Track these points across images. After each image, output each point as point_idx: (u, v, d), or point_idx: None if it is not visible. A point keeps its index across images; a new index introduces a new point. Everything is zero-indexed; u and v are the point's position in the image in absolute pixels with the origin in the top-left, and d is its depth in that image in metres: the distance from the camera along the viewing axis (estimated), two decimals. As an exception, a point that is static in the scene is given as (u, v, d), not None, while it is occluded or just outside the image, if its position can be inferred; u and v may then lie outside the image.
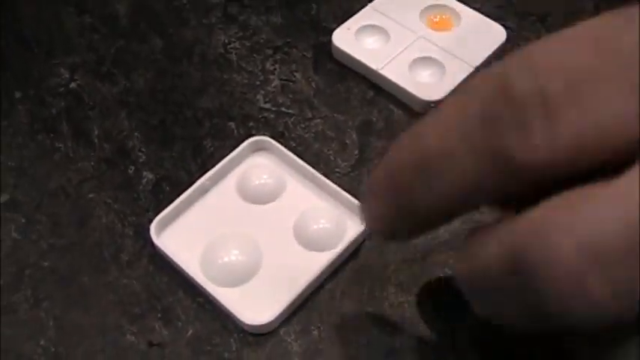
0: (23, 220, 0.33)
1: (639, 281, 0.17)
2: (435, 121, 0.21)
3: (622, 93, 0.18)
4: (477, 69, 0.36)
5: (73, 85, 0.38)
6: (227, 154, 0.33)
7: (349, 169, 0.34)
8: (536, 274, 0.18)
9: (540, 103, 0.18)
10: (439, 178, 0.20)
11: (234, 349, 0.29)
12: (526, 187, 0.19)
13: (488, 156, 0.19)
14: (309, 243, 0.31)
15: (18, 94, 0.38)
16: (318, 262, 0.30)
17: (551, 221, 0.18)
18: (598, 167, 0.18)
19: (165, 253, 0.31)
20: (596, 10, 0.41)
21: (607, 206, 0.17)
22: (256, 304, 0.29)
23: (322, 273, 0.30)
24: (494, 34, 0.38)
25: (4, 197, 0.34)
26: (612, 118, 0.18)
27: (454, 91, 0.20)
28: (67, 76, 0.38)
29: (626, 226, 0.17)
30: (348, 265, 0.31)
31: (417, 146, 0.21)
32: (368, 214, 0.24)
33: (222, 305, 0.29)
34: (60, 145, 0.35)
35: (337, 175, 0.34)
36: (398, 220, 0.22)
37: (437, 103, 0.35)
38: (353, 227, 0.31)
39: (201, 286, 0.30)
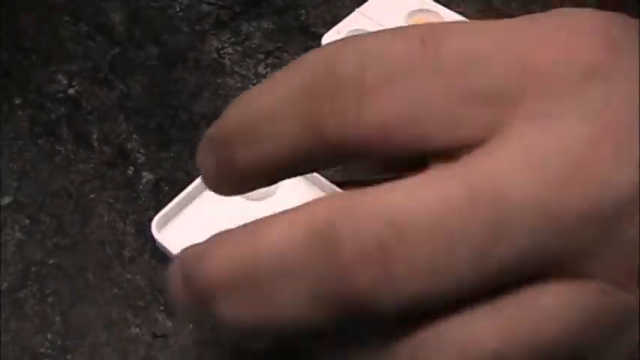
0: (27, 221, 0.34)
1: (440, 261, 0.18)
2: (267, 86, 0.21)
3: (432, 90, 0.19)
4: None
5: (71, 91, 0.39)
6: (223, 154, 0.35)
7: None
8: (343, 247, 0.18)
9: (356, 85, 0.19)
10: (259, 140, 0.21)
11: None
12: (339, 162, 0.21)
13: (306, 125, 0.20)
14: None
15: (18, 100, 0.39)
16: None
17: (358, 198, 0.19)
18: (407, 156, 0.20)
19: (166, 248, 0.32)
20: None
21: (413, 190, 0.19)
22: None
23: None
24: (477, 36, 0.40)
25: (8, 199, 0.35)
26: (419, 113, 0.19)
27: (293, 61, 0.21)
28: (66, 82, 0.40)
29: (428, 208, 0.18)
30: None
31: (245, 107, 0.21)
32: (199, 167, 0.23)
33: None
34: (60, 149, 0.37)
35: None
36: (220, 175, 0.22)
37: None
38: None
39: (203, 279, 0.31)
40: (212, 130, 0.22)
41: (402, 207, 0.18)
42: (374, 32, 0.21)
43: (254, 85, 0.39)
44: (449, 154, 0.19)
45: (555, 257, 0.19)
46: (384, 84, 0.19)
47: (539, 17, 0.22)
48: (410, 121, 0.19)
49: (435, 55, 0.20)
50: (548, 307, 0.19)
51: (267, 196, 0.34)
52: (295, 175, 0.23)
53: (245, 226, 0.20)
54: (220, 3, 0.43)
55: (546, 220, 0.18)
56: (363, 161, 0.21)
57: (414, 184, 0.19)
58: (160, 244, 0.32)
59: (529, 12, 0.42)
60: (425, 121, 0.19)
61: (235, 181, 0.22)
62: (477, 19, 0.41)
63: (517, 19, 0.22)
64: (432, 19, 0.41)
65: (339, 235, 0.18)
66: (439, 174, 0.19)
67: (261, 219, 0.20)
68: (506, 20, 0.22)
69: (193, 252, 0.21)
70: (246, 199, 0.34)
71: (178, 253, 0.22)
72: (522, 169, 0.19)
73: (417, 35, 0.20)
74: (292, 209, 0.20)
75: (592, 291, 0.19)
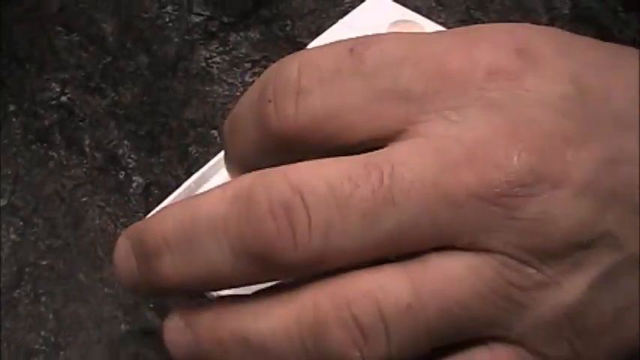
0: (21, 223, 0.35)
1: (335, 222, 0.22)
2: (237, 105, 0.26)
3: (353, 90, 0.23)
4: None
5: (64, 98, 0.41)
6: (211, 160, 0.36)
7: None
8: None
9: (294, 88, 0.24)
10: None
11: (222, 334, 0.31)
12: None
13: (257, 120, 0.24)
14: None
15: (12, 107, 0.40)
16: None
17: (276, 170, 0.23)
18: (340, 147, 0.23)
19: (156, 249, 0.33)
20: (552, 24, 0.45)
21: None
22: (238, 291, 0.32)
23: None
24: (456, 46, 0.42)
25: (3, 202, 0.36)
26: (342, 108, 0.23)
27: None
28: (58, 90, 0.41)
29: (327, 178, 0.22)
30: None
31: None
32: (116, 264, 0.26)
33: (211, 295, 0.32)
34: (53, 154, 0.38)
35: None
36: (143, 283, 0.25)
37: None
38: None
39: (191, 278, 0.32)
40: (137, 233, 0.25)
41: (307, 176, 0.22)
42: (318, 45, 0.25)
43: (241, 92, 0.40)
44: (373, 147, 0.23)
45: (450, 229, 0.21)
46: (317, 85, 0.23)
47: (464, 29, 0.25)
48: (335, 114, 0.23)
49: (359, 60, 0.23)
50: (451, 270, 0.21)
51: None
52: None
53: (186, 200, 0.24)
54: (209, 14, 0.45)
55: (436, 194, 0.21)
56: (308, 155, 0.24)
57: (327, 161, 0.23)
58: (149, 245, 0.34)
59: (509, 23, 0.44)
60: (347, 115, 0.23)
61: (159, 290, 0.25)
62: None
63: (445, 31, 0.26)
64: (414, 29, 0.43)
65: (254, 197, 0.22)
66: (349, 157, 0.22)
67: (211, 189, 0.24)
68: (433, 32, 0.26)
69: (141, 222, 0.25)
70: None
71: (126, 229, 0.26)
72: (421, 153, 0.22)
73: (349, 45, 0.24)
74: (228, 182, 0.24)
75: (493, 262, 0.21)
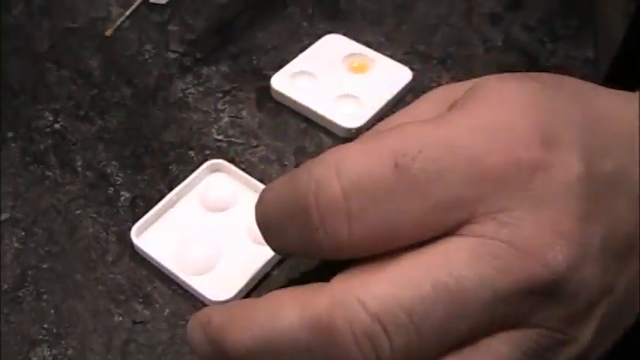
0: (23, 233, 0.41)
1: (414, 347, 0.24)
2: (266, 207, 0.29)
3: (408, 206, 0.25)
4: (388, 103, 0.46)
5: (57, 125, 0.46)
6: (189, 175, 0.42)
7: (288, 184, 0.42)
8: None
9: (344, 211, 0.25)
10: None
11: (202, 321, 0.37)
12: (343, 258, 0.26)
13: (306, 242, 0.26)
14: (258, 239, 0.39)
15: (10, 134, 0.45)
16: (266, 253, 0.38)
17: (350, 294, 0.24)
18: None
19: (144, 251, 0.39)
20: (487, 53, 0.51)
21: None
22: (219, 287, 0.37)
23: (269, 262, 0.38)
24: (402, 74, 0.48)
25: (5, 216, 0.41)
26: (399, 226, 0.25)
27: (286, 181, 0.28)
28: (51, 118, 0.46)
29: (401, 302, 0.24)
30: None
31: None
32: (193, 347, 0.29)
33: (192, 289, 0.37)
34: (49, 174, 0.43)
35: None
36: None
37: (357, 131, 0.44)
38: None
39: (175, 275, 0.38)
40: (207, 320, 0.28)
41: (384, 303, 0.24)
42: (350, 148, 0.26)
43: (214, 119, 0.46)
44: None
45: (504, 320, 0.25)
46: (368, 206, 0.24)
47: (475, 108, 0.27)
48: (392, 230, 0.25)
49: (409, 176, 0.24)
50: (502, 350, 0.25)
51: (226, 208, 0.41)
52: None
53: (262, 304, 0.26)
54: (183, 51, 0.50)
55: (495, 299, 0.24)
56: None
57: (396, 280, 0.24)
58: (138, 247, 0.39)
59: (449, 55, 0.50)
60: (404, 228, 0.25)
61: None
62: (403, 61, 0.49)
63: (458, 114, 0.27)
64: (364, 61, 0.49)
65: (337, 327, 0.24)
66: (408, 264, 0.25)
67: (277, 299, 0.26)
68: (451, 122, 0.26)
69: (219, 320, 0.27)
70: (208, 210, 0.41)
71: (199, 315, 0.28)
72: (478, 261, 0.24)
73: (391, 158, 0.25)
74: (302, 293, 0.25)
75: (532, 334, 0.25)
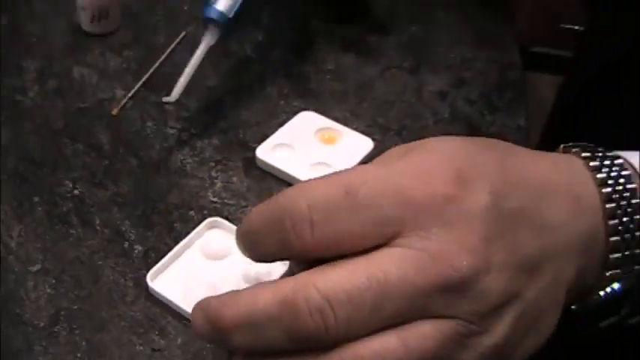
0: (53, 281, 0.49)
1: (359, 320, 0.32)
2: (250, 222, 0.36)
3: (353, 222, 0.33)
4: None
5: (76, 191, 0.55)
6: (191, 231, 0.51)
7: (273, 237, 0.52)
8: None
9: (308, 222, 0.33)
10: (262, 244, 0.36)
11: (209, 346, 0.46)
12: (308, 260, 0.35)
13: (280, 241, 0.34)
14: (250, 280, 0.48)
15: (36, 199, 0.54)
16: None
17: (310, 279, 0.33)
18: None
19: (158, 293, 0.48)
20: (436, 125, 0.62)
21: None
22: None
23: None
24: (365, 145, 0.58)
25: (37, 267, 0.50)
26: (347, 234, 0.33)
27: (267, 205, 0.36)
28: (71, 185, 0.56)
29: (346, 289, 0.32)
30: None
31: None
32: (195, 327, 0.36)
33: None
34: (72, 232, 0.52)
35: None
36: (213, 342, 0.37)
37: (329, 191, 0.54)
38: (278, 268, 0.49)
39: (184, 311, 0.47)
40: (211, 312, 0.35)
41: (332, 288, 0.32)
42: (315, 180, 0.35)
43: (209, 184, 0.56)
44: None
45: (425, 308, 0.33)
46: (325, 218, 0.33)
47: (412, 156, 0.35)
48: (341, 237, 0.33)
49: (354, 201, 0.33)
50: (426, 330, 0.33)
51: (224, 257, 0.50)
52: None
53: (248, 291, 0.35)
54: (179, 127, 0.60)
55: (414, 290, 0.33)
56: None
57: (341, 272, 0.33)
58: (152, 290, 0.48)
59: (404, 127, 0.60)
60: (350, 237, 0.33)
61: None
62: (365, 132, 0.59)
63: (404, 160, 0.35)
64: (333, 134, 0.59)
65: (298, 304, 0.32)
66: (354, 267, 0.33)
67: (258, 286, 0.35)
68: (390, 165, 0.35)
69: (215, 303, 0.36)
70: (208, 259, 0.50)
71: (200, 302, 0.37)
72: (402, 261, 0.33)
73: (343, 187, 0.34)
74: (277, 282, 0.34)
75: (451, 323, 0.34)
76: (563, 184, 0.38)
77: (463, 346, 0.34)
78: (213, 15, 0.58)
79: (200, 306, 0.36)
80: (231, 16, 0.58)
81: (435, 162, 0.35)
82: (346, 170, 0.36)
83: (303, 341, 0.33)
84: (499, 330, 0.34)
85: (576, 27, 0.77)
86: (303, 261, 0.35)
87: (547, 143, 0.67)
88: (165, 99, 0.58)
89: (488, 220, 0.34)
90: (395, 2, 0.76)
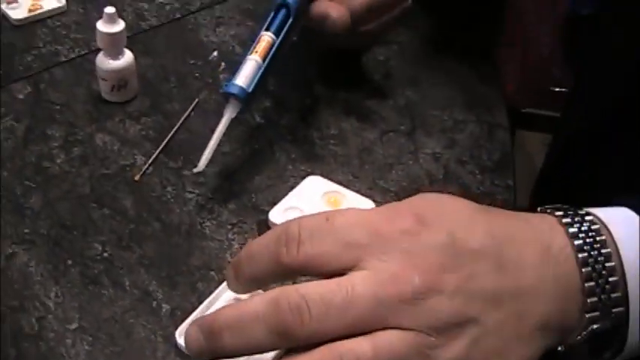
0: (90, 338, 0.56)
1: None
2: (250, 246, 0.45)
3: (329, 243, 0.42)
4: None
5: (105, 254, 0.62)
6: (214, 291, 0.57)
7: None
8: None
9: (296, 241, 0.42)
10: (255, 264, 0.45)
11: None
12: (287, 276, 0.45)
13: (273, 260, 0.43)
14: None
15: (69, 262, 0.61)
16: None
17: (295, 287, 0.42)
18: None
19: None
20: (431, 185, 0.68)
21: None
22: None
23: (278, 354, 0.54)
24: (366, 206, 0.65)
25: (74, 325, 0.56)
26: (323, 253, 0.42)
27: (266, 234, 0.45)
28: (100, 248, 0.62)
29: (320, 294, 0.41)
30: None
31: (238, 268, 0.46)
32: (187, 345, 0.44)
33: None
34: (105, 292, 0.59)
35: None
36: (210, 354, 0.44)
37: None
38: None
39: (210, 365, 0.53)
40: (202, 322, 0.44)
41: (309, 291, 0.41)
42: (305, 215, 0.45)
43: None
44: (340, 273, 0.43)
45: (386, 318, 0.41)
46: (309, 239, 0.42)
47: (391, 205, 0.45)
48: (319, 255, 0.42)
49: (331, 226, 0.43)
50: (392, 336, 0.41)
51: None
52: None
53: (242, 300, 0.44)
54: (198, 192, 0.67)
55: (376, 301, 0.40)
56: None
57: (317, 283, 0.42)
58: (181, 345, 0.54)
59: (402, 188, 0.67)
60: (326, 256, 0.42)
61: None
62: (367, 194, 0.66)
63: (382, 207, 0.45)
64: (338, 197, 0.66)
65: (281, 302, 0.41)
66: (328, 280, 0.42)
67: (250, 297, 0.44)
68: (370, 209, 0.46)
69: (209, 314, 0.44)
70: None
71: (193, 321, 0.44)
72: (366, 279, 0.41)
73: (325, 215, 0.44)
74: (265, 292, 0.43)
75: (412, 334, 0.41)
76: (531, 235, 0.45)
77: (425, 356, 0.41)
78: (234, 90, 0.65)
79: (195, 321, 0.44)
80: (250, 90, 0.66)
81: (403, 206, 0.45)
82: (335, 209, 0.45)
83: (283, 335, 0.41)
84: (456, 346, 0.41)
85: (564, 89, 0.84)
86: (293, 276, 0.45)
87: (538, 199, 0.75)
88: (194, 170, 0.65)
89: (445, 253, 0.42)
90: (391, 67, 0.83)
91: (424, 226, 0.43)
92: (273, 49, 0.68)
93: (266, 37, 0.68)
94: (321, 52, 0.84)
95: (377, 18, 0.75)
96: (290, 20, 0.69)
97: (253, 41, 0.68)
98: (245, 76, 0.66)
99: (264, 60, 0.67)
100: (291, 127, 0.75)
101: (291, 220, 0.44)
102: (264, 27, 0.69)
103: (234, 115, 0.66)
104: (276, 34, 0.68)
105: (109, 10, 0.72)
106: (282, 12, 0.69)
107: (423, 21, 0.89)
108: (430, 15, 0.90)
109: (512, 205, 0.69)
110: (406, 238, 0.42)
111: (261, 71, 0.67)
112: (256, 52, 0.67)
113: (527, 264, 0.43)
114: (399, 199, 0.67)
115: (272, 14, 0.70)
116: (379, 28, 0.76)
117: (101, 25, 0.73)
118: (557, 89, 0.85)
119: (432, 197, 0.46)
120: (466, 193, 0.69)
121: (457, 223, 0.43)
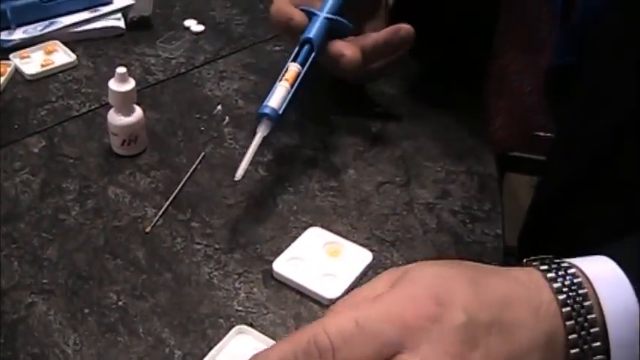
0: (108, 384, 0.61)
1: None
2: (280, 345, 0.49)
3: (363, 346, 0.46)
4: (356, 279, 0.68)
5: (120, 303, 0.67)
6: (222, 337, 0.63)
7: (291, 341, 0.64)
8: None
9: (330, 349, 0.46)
10: None
11: None
12: None
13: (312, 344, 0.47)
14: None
15: (87, 310, 0.66)
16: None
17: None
18: None
19: (198, 393, 0.59)
20: (425, 235, 0.74)
21: None
22: None
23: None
24: (364, 256, 0.70)
25: (93, 372, 0.62)
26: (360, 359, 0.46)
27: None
28: (115, 297, 0.67)
29: None
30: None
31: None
32: None
33: None
34: (120, 339, 0.64)
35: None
36: None
37: (335, 299, 0.66)
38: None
39: (221, 408, 0.59)
40: None
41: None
42: (327, 316, 0.49)
43: (234, 295, 0.67)
44: None
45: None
46: (343, 347, 0.46)
47: (399, 288, 0.50)
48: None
49: (362, 329, 0.46)
50: None
51: (251, 360, 0.62)
52: None
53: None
54: (205, 243, 0.72)
55: None
56: None
57: None
58: (194, 390, 0.60)
59: (398, 238, 0.73)
60: (364, 359, 0.46)
61: None
62: (364, 244, 0.71)
63: (390, 293, 0.49)
64: (337, 248, 0.71)
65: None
66: None
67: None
68: (384, 299, 0.48)
69: None
70: None
71: None
72: None
73: (353, 318, 0.47)
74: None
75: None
76: (523, 294, 0.50)
77: None
78: (266, 111, 0.75)
79: None
80: (280, 112, 0.75)
81: (418, 291, 0.49)
82: (353, 307, 0.49)
83: None
84: None
85: (549, 134, 0.90)
86: None
87: (525, 242, 0.81)
88: (235, 178, 0.71)
89: (465, 333, 0.47)
90: (388, 119, 0.89)
91: (442, 306, 0.47)
92: (299, 77, 0.78)
93: (293, 67, 0.79)
94: (321, 104, 0.90)
95: (384, 57, 0.86)
96: (313, 54, 0.80)
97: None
98: (276, 100, 0.76)
99: (291, 86, 0.78)
100: (291, 179, 0.80)
101: (310, 328, 0.48)
102: (291, 59, 0.80)
103: (266, 133, 0.75)
104: (302, 65, 0.79)
105: (121, 70, 0.78)
106: (306, 47, 0.81)
107: (414, 70, 0.96)
108: (421, 63, 0.96)
109: (501, 252, 0.75)
110: (431, 325, 0.47)
111: (289, 96, 0.77)
112: (286, 79, 0.78)
113: (523, 324, 0.49)
114: (395, 249, 0.73)
115: (297, 48, 0.81)
116: (384, 65, 0.87)
117: (113, 84, 0.79)
118: (542, 134, 0.91)
119: (436, 272, 0.51)
120: (457, 242, 0.75)
121: (466, 298, 0.49)
